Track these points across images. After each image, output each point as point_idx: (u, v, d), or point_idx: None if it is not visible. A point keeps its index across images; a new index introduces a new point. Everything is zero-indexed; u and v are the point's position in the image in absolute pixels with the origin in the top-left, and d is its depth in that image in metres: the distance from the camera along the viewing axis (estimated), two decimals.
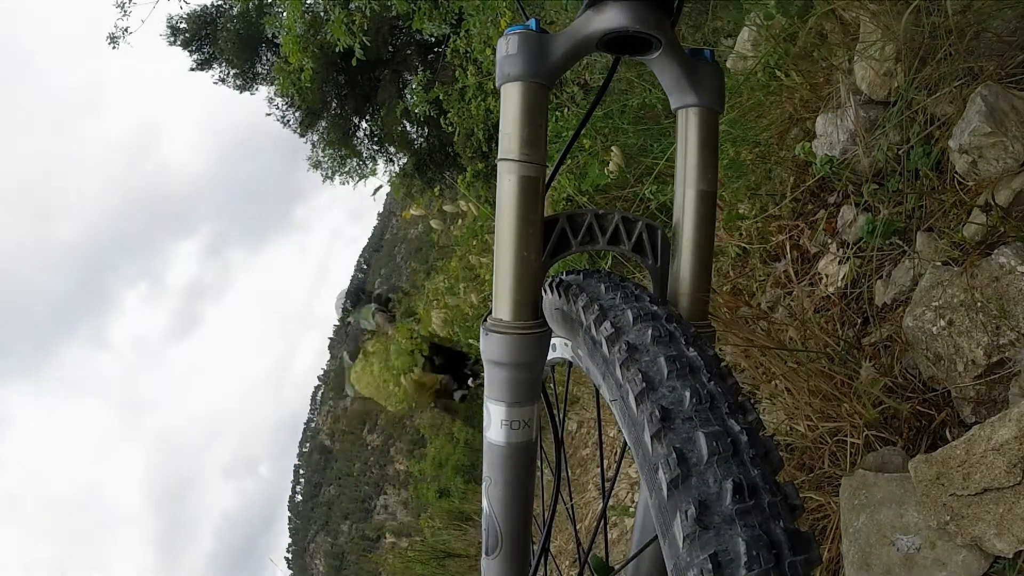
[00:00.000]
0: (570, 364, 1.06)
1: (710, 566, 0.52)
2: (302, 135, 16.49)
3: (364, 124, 16.92)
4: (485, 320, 0.91)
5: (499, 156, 0.87)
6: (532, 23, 0.86)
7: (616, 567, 1.11)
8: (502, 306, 0.89)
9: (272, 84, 15.31)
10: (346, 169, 17.38)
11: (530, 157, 0.86)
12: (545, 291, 0.92)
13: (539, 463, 1.14)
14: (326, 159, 17.17)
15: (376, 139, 17.51)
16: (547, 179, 0.90)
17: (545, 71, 0.85)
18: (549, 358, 1.01)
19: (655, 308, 0.76)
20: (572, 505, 1.06)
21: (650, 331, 0.71)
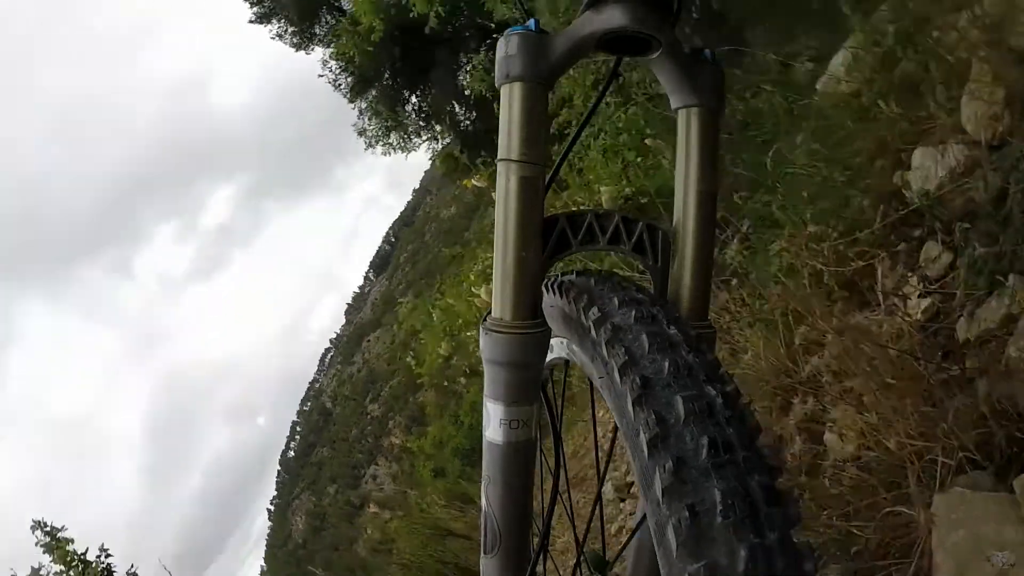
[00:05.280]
0: (567, 363, 1.06)
1: (687, 515, 0.55)
2: (351, 101, 16.54)
3: (413, 99, 16.93)
4: (485, 319, 0.91)
5: (499, 156, 0.87)
6: (532, 24, 0.86)
7: (613, 559, 1.14)
8: (502, 306, 0.88)
9: (329, 47, 15.35)
10: (390, 140, 17.43)
11: (529, 157, 0.85)
12: (545, 291, 0.92)
13: (539, 463, 1.14)
14: (372, 127, 17.22)
15: (424, 115, 17.53)
16: (547, 179, 0.90)
17: (545, 72, 0.85)
18: (549, 358, 1.01)
19: (639, 295, 0.79)
20: (572, 504, 1.14)
21: (634, 313, 0.74)
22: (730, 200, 2.66)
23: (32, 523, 4.31)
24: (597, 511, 1.11)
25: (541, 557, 1.12)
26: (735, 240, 2.68)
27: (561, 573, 1.26)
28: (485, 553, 1.06)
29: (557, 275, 0.94)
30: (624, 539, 1.09)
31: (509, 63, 0.85)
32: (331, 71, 16.15)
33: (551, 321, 0.91)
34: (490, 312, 0.90)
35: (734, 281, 2.25)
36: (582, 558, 1.16)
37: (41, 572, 4.09)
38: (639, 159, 3.08)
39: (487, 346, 0.90)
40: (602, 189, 2.93)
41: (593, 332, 0.75)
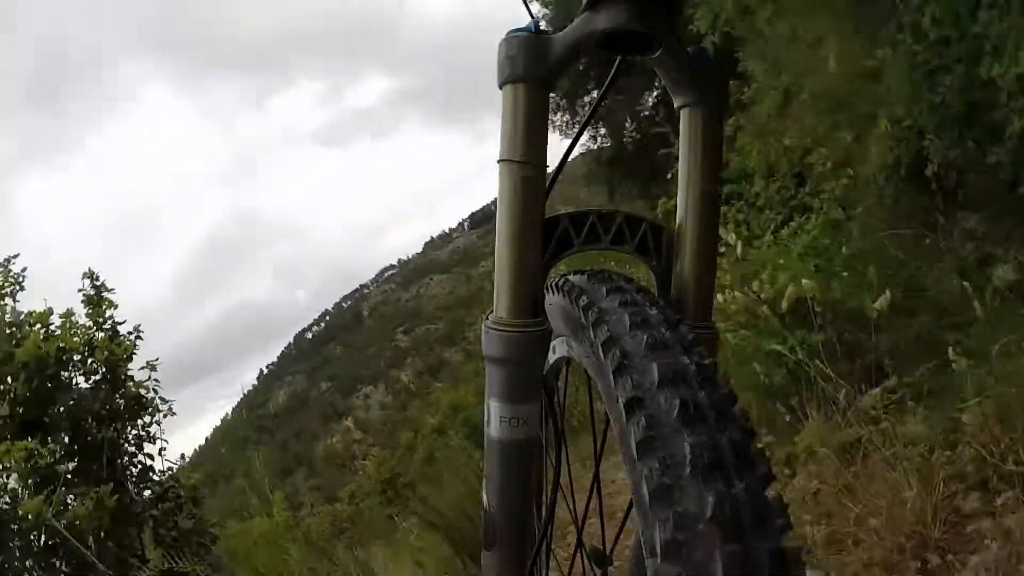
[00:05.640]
0: (568, 361, 1.04)
1: (658, 466, 0.58)
2: None
3: (595, 94, 16.80)
4: (487, 318, 0.92)
5: (499, 157, 0.88)
6: (531, 25, 0.87)
7: (611, 549, 1.11)
8: (501, 305, 0.89)
9: (547, 7, 15.39)
10: (554, 118, 17.41)
11: (529, 158, 0.86)
12: (548, 291, 0.93)
13: (543, 462, 1.16)
14: None
15: (594, 112, 17.38)
16: (549, 181, 0.92)
17: (544, 73, 0.86)
18: (553, 358, 1.00)
19: (627, 285, 0.83)
20: (574, 505, 1.12)
21: (618, 298, 0.78)
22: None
23: (87, 271, 4.35)
24: (595, 505, 1.09)
25: (542, 555, 1.15)
26: (879, 388, 2.51)
27: (563, 571, 1.24)
28: (485, 549, 1.06)
29: (560, 276, 0.94)
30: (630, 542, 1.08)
31: (509, 64, 0.86)
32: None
33: (554, 320, 0.91)
34: (492, 311, 0.92)
35: (883, 424, 2.23)
36: (582, 553, 1.15)
37: (72, 318, 4.14)
38: (844, 273, 2.96)
39: (487, 344, 0.91)
40: (804, 282, 2.81)
41: (583, 317, 0.79)
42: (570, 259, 0.97)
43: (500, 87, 0.88)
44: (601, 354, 0.71)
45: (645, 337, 0.70)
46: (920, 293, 2.90)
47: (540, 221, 0.88)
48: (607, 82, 1.11)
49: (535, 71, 0.85)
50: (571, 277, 0.90)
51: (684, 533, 0.55)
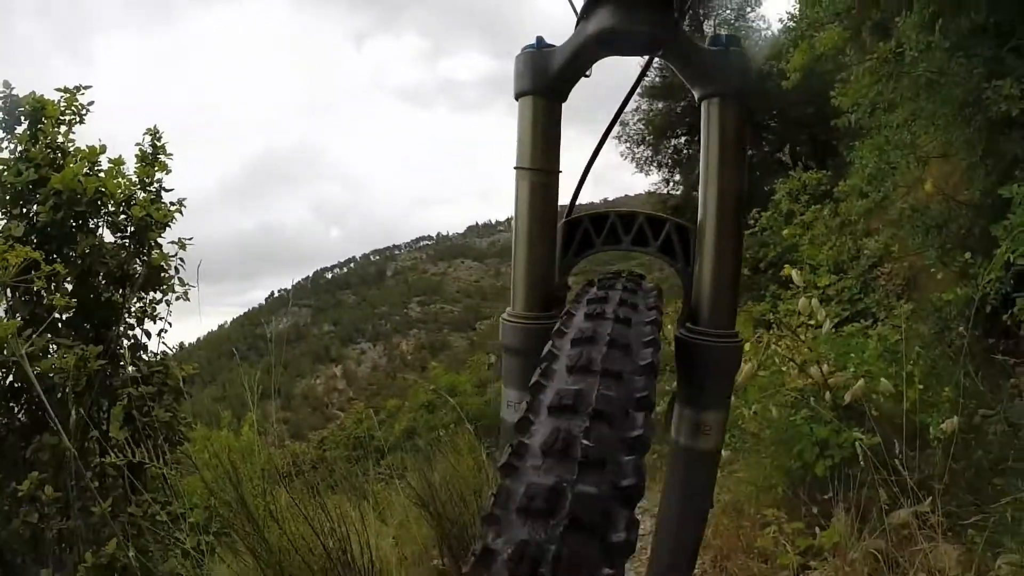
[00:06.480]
0: None
1: (510, 449, 0.62)
2: (641, 95, 16.35)
3: (682, 140, 16.59)
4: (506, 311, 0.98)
5: (514, 165, 0.92)
6: (535, 42, 0.91)
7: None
8: (515, 299, 0.94)
9: None
10: (635, 150, 17.17)
11: (539, 165, 0.90)
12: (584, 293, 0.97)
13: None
14: (631, 126, 16.96)
15: (673, 158, 17.16)
16: (576, 187, 0.96)
17: (550, 84, 0.90)
18: None
19: (621, 283, 0.86)
20: None
21: (597, 294, 0.82)
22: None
23: (151, 128, 4.12)
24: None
25: None
26: (911, 508, 2.38)
27: None
28: None
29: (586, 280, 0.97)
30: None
31: (520, 79, 0.91)
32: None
33: None
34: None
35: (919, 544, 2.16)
36: None
37: (121, 167, 3.92)
38: (921, 386, 2.90)
39: (503, 334, 0.96)
40: (883, 381, 2.77)
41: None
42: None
43: (516, 99, 0.92)
44: (558, 341, 0.75)
45: (574, 331, 0.73)
46: (985, 422, 2.88)
47: (553, 224, 0.93)
48: (634, 83, 1.08)
49: (541, 84, 0.90)
50: (594, 280, 0.92)
51: (496, 526, 0.56)
